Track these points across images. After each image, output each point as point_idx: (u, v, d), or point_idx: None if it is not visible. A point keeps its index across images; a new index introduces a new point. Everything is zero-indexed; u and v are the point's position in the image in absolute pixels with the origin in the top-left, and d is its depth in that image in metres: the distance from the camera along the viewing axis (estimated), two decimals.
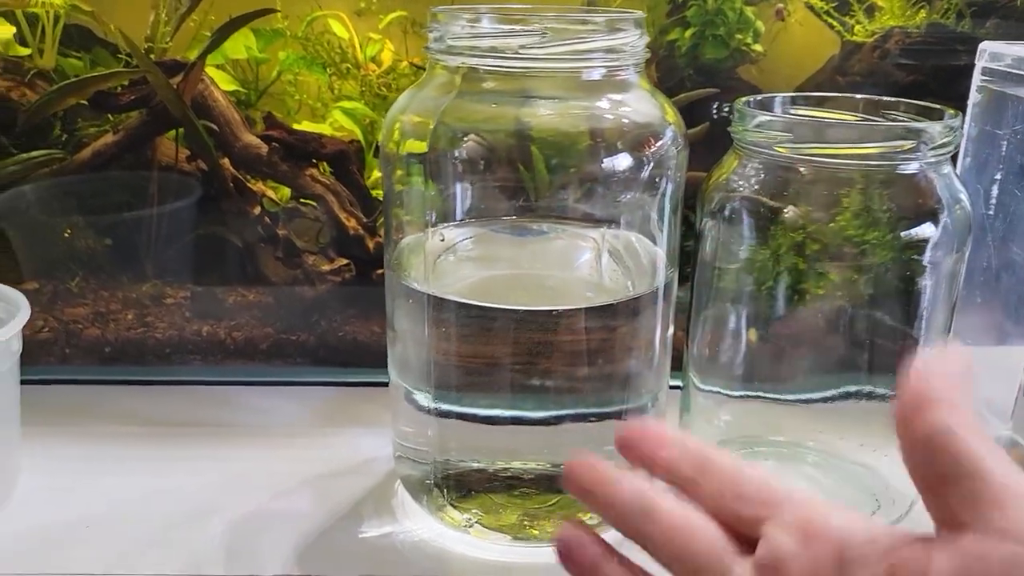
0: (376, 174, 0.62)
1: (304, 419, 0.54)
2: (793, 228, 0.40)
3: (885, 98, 0.43)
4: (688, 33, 0.59)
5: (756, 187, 0.40)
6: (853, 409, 0.44)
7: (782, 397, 0.46)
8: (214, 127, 0.56)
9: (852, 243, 0.39)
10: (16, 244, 0.60)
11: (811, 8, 0.59)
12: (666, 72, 0.61)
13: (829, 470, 0.46)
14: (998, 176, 0.45)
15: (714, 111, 0.60)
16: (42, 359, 0.58)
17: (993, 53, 0.45)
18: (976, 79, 0.46)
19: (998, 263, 0.46)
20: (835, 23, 0.60)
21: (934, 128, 0.38)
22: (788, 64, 0.63)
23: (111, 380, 0.56)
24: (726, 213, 0.41)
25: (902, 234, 0.39)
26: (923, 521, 0.23)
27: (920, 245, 0.39)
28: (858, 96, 0.43)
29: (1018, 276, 0.44)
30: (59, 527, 0.42)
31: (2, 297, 0.45)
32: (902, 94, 0.61)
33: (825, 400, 0.45)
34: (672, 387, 0.52)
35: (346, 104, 0.62)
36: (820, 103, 0.44)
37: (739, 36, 0.58)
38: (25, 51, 0.56)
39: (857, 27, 0.59)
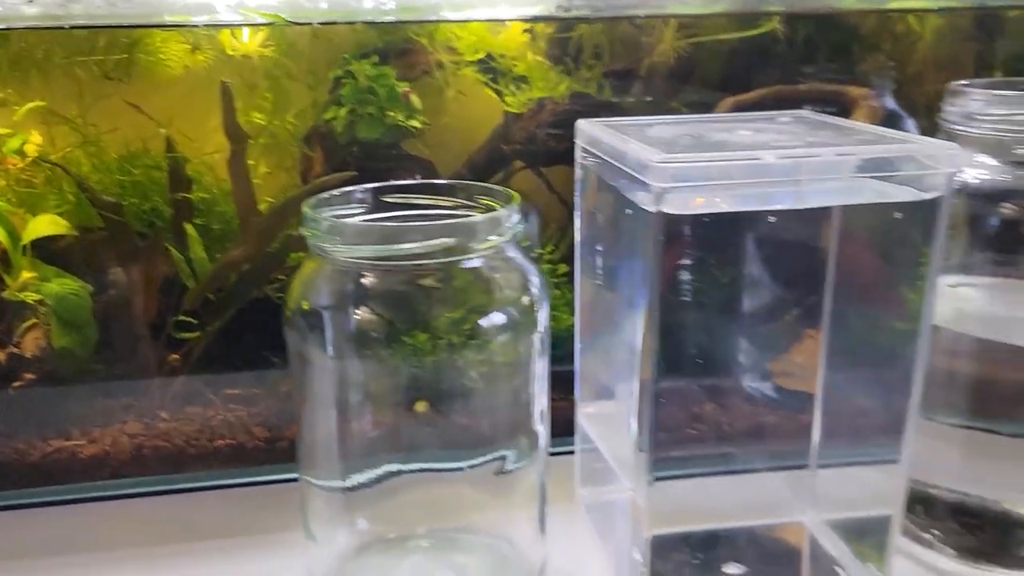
0: (25, 275, 0.57)
1: None
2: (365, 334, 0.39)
3: (473, 183, 0.43)
4: (343, 112, 0.58)
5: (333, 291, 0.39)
6: None
7: None
8: None
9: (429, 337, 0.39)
10: None
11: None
12: (329, 151, 0.60)
13: None
14: (599, 247, 0.47)
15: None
16: None
17: (581, 131, 0.46)
18: (578, 156, 0.47)
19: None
20: (492, 93, 0.61)
21: (489, 221, 0.39)
22: (456, 135, 0.63)
23: None
24: (302, 320, 0.40)
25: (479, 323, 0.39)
26: None
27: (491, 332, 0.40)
28: (449, 182, 0.44)
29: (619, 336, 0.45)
30: None
31: None
32: (560, 160, 0.63)
33: None
34: None
35: None
36: (416, 190, 0.44)
37: (391, 113, 0.58)
38: None
39: (509, 98, 0.60)
